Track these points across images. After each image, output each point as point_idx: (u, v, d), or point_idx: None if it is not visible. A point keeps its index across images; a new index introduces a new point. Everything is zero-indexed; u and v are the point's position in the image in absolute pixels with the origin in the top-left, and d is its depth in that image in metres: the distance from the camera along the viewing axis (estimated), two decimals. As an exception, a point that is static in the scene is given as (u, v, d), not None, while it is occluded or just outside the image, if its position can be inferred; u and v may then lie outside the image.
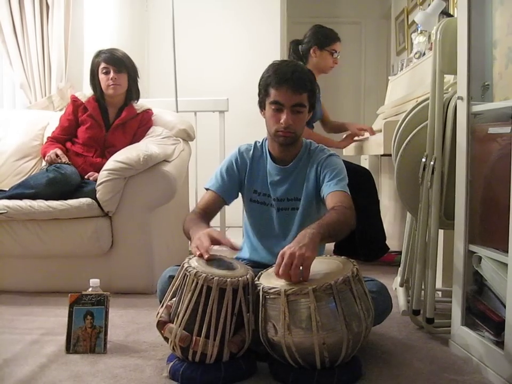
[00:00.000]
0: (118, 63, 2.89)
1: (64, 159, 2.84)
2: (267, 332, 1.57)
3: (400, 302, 2.30)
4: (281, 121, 1.89)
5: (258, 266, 1.87)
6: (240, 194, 2.11)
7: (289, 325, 1.50)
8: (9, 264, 2.70)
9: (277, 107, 1.90)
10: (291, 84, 1.87)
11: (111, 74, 2.88)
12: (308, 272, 1.55)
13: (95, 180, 2.68)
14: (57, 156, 2.85)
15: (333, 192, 1.89)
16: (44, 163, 2.99)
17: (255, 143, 2.10)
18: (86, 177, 2.82)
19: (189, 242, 1.84)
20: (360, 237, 3.26)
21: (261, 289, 1.57)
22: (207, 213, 1.99)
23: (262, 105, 1.98)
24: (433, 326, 2.01)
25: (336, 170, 1.96)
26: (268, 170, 2.04)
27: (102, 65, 2.90)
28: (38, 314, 2.33)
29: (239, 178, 2.06)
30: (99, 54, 2.94)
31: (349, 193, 1.92)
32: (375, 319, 1.67)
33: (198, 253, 1.68)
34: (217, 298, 1.55)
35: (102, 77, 2.91)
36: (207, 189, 2.06)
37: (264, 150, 2.07)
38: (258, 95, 1.99)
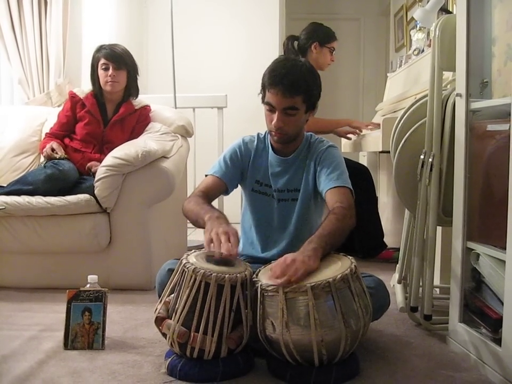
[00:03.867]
0: (117, 59, 2.88)
1: (61, 152, 2.84)
2: (265, 329, 1.57)
3: (398, 298, 2.30)
4: (273, 123, 1.89)
5: (255, 262, 1.87)
6: (239, 185, 2.11)
7: (287, 322, 1.50)
8: (7, 260, 2.69)
9: (269, 108, 1.90)
10: (281, 88, 1.84)
11: (110, 71, 2.87)
12: (304, 276, 1.54)
13: (94, 176, 2.67)
14: (53, 150, 2.84)
15: (333, 189, 1.88)
16: (42, 159, 2.99)
17: (258, 134, 2.10)
18: (88, 165, 2.81)
19: (190, 235, 1.82)
20: (358, 234, 3.27)
21: (259, 287, 1.57)
22: (207, 195, 1.97)
23: (263, 102, 1.97)
24: (431, 322, 2.02)
25: (334, 163, 1.95)
26: (269, 161, 2.04)
27: (102, 61, 2.89)
28: (36, 310, 2.33)
29: (242, 167, 2.06)
30: (100, 49, 2.93)
31: (349, 186, 1.90)
32: (373, 314, 1.67)
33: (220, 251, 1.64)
34: (215, 295, 1.55)
35: (101, 72, 2.90)
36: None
37: (266, 142, 2.07)
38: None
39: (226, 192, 2.06)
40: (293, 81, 1.84)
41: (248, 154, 2.06)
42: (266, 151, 2.06)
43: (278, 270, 1.55)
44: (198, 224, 1.84)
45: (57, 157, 2.81)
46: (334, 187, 1.88)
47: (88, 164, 2.83)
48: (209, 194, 1.99)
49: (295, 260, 1.55)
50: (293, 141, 1.99)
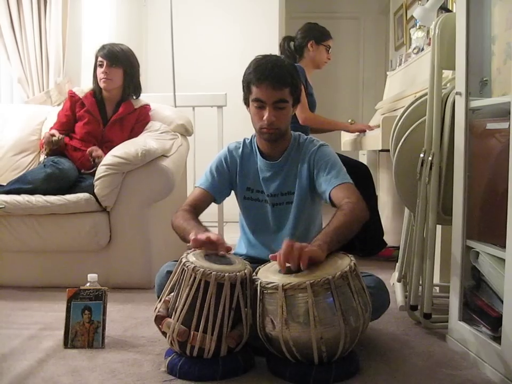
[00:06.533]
0: (111, 57, 2.88)
1: (59, 134, 2.83)
2: (265, 326, 1.57)
3: (398, 297, 2.30)
4: (264, 118, 1.88)
5: (255, 261, 1.87)
6: (233, 192, 2.11)
7: (287, 319, 1.50)
8: (7, 259, 2.70)
9: (259, 104, 1.89)
10: (271, 81, 1.85)
11: (103, 68, 2.88)
12: (305, 263, 1.53)
13: (98, 157, 2.68)
14: (52, 135, 2.83)
15: (336, 188, 1.86)
16: (41, 158, 2.99)
17: (244, 140, 2.09)
18: (88, 150, 2.78)
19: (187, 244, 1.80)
20: (358, 233, 3.26)
21: (258, 284, 1.57)
22: (195, 208, 1.98)
23: (246, 102, 1.97)
24: (430, 321, 2.02)
25: (330, 162, 1.94)
26: (258, 167, 2.03)
27: (99, 58, 2.91)
28: (36, 309, 2.33)
29: (230, 176, 2.05)
30: (101, 47, 2.94)
31: (351, 181, 1.90)
32: (373, 314, 1.67)
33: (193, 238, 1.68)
34: (215, 293, 1.55)
35: (98, 70, 2.92)
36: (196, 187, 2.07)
37: (253, 147, 2.06)
38: (243, 92, 1.97)
39: (216, 202, 2.07)
40: (280, 74, 1.86)
41: (234, 163, 2.05)
42: (254, 155, 2.05)
43: (282, 259, 1.55)
44: (186, 240, 1.84)
45: (55, 140, 2.80)
46: (337, 186, 1.87)
47: (89, 149, 2.79)
48: (196, 207, 1.99)
49: (302, 247, 1.55)
50: (282, 139, 1.98)
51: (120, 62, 2.91)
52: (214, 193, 2.03)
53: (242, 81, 1.94)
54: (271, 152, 2.01)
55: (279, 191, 2.00)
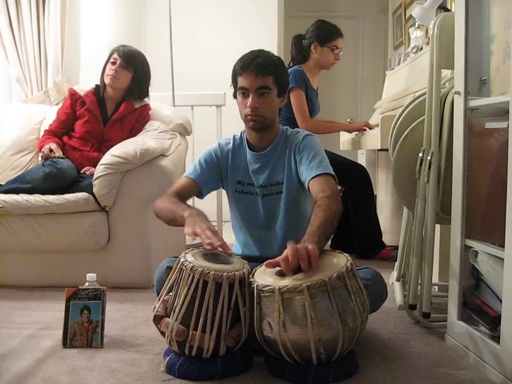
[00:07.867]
0: (126, 58, 2.89)
1: (59, 153, 2.83)
2: (262, 329, 1.56)
3: (397, 296, 2.30)
4: (248, 105, 1.92)
5: (251, 261, 1.86)
6: (223, 190, 2.12)
7: (284, 322, 1.50)
8: (6, 258, 2.69)
9: (243, 92, 1.94)
10: (253, 68, 1.90)
11: (116, 65, 2.88)
12: (316, 261, 1.53)
13: (92, 174, 2.68)
14: (51, 150, 2.84)
15: (314, 179, 1.88)
16: (40, 157, 2.98)
17: (234, 136, 2.12)
18: (82, 171, 2.81)
19: (186, 235, 1.79)
20: (356, 235, 3.26)
21: (255, 287, 1.56)
22: (180, 195, 2.00)
23: (235, 96, 2.01)
24: (429, 320, 2.02)
25: (313, 151, 1.96)
26: (247, 159, 2.05)
27: (114, 55, 2.92)
28: (34, 308, 2.33)
29: (219, 170, 2.07)
30: (120, 46, 2.95)
31: (329, 172, 1.90)
32: (371, 306, 1.67)
33: (208, 241, 1.67)
34: (213, 293, 1.55)
35: (108, 65, 2.92)
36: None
37: (243, 140, 2.08)
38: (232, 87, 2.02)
39: (201, 195, 2.07)
40: (263, 63, 1.92)
41: (225, 157, 2.07)
42: (243, 149, 2.07)
43: (290, 262, 1.53)
44: (175, 222, 1.86)
45: (54, 156, 2.81)
46: (315, 176, 1.88)
47: (83, 170, 2.83)
48: (182, 195, 2.01)
49: (300, 248, 1.53)
50: (268, 129, 2.00)
51: (132, 65, 2.91)
52: (201, 184, 2.04)
53: (231, 76, 2.00)
54: (260, 143, 2.03)
55: (268, 182, 2.02)
